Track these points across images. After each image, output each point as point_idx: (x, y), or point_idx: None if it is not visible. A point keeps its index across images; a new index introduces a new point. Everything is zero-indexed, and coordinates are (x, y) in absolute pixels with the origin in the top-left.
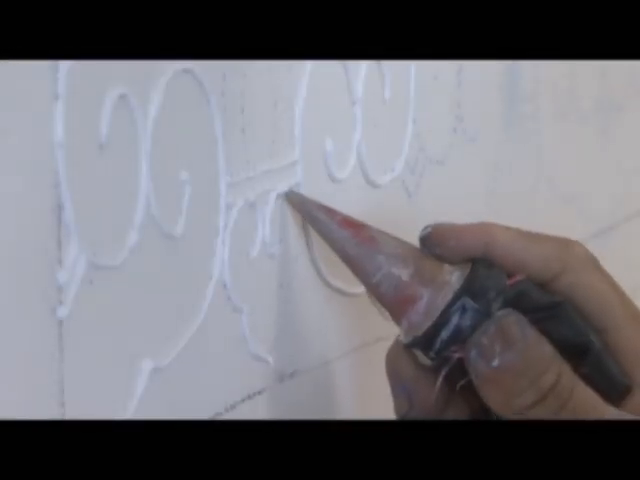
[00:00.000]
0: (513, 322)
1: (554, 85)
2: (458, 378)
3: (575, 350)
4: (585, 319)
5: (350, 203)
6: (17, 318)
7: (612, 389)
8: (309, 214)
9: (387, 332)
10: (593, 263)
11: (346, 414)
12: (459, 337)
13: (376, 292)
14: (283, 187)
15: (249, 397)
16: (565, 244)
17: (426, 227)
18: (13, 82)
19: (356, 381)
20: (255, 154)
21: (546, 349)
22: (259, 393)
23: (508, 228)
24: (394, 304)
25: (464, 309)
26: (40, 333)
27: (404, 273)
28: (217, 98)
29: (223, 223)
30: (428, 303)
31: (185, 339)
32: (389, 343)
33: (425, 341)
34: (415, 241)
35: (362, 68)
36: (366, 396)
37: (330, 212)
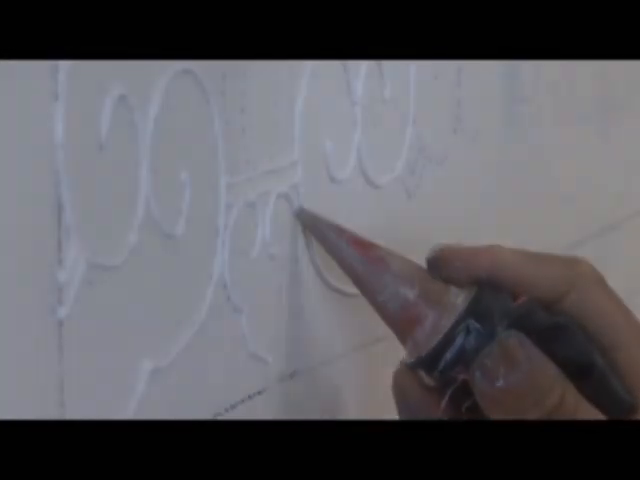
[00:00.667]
0: (517, 343)
1: (554, 85)
2: (463, 399)
3: (579, 370)
4: (590, 337)
5: (350, 203)
6: (17, 318)
7: (617, 408)
8: (319, 232)
9: (387, 332)
10: (599, 281)
11: (346, 414)
12: (463, 358)
13: (382, 311)
14: (283, 187)
15: (249, 397)
16: (572, 263)
17: (433, 248)
18: (13, 82)
19: (356, 381)
20: (255, 154)
21: (550, 369)
22: (259, 393)
23: (515, 250)
24: (400, 324)
25: (468, 331)
26: (40, 333)
27: (410, 293)
28: (217, 98)
29: (223, 223)
30: (433, 324)
31: (185, 339)
32: (389, 343)
33: (429, 362)
34: (414, 240)
35: (362, 68)
36: (366, 396)
37: (340, 230)
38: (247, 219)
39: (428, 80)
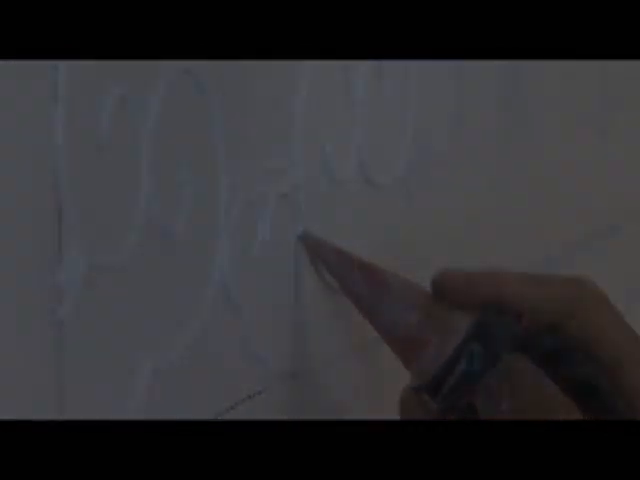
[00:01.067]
0: (521, 367)
1: (554, 85)
2: None
3: (583, 392)
4: (594, 359)
5: (350, 203)
6: (17, 318)
7: None
8: (322, 256)
9: None
10: (603, 302)
11: (346, 414)
12: (467, 382)
13: (386, 336)
14: (283, 187)
15: (249, 397)
16: (576, 284)
17: (437, 272)
18: (13, 82)
19: (356, 381)
20: (255, 154)
21: (554, 392)
22: (259, 393)
23: (518, 273)
24: (403, 348)
25: (472, 355)
26: (40, 333)
27: (414, 318)
28: (217, 98)
29: (223, 223)
30: (437, 348)
31: (185, 339)
32: None
33: (433, 386)
34: (415, 240)
35: (362, 68)
36: (366, 396)
37: (343, 255)
38: (247, 219)
39: (428, 80)
